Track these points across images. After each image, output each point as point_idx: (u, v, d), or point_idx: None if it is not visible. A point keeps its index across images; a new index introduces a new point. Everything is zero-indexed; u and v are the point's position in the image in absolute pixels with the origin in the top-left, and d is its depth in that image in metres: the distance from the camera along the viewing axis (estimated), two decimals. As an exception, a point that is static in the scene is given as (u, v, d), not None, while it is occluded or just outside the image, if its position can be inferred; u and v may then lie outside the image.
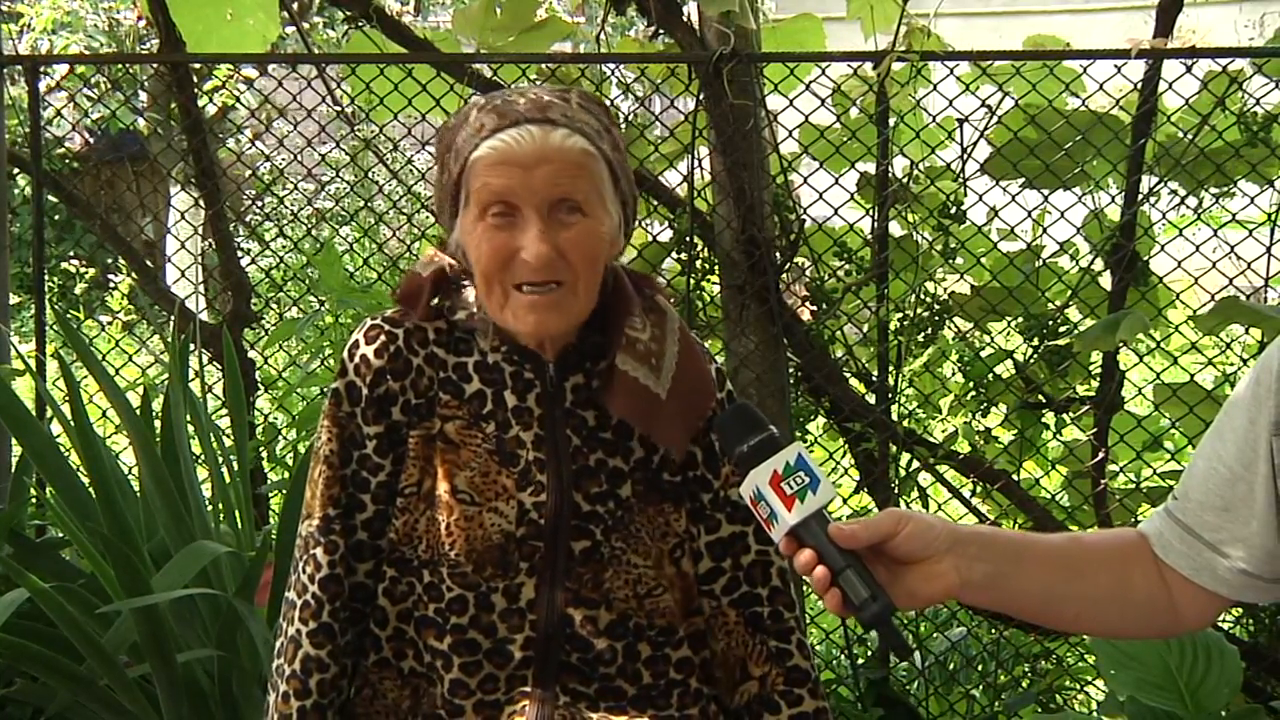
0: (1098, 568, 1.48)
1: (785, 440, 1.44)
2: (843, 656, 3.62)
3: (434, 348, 1.70)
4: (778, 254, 3.44)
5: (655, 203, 3.61)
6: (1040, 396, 3.47)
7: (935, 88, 3.44)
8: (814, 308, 3.56)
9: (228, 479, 3.05)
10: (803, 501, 1.39)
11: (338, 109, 4.19)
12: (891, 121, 3.37)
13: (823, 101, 3.48)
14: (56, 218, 10.23)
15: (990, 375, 3.49)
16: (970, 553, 1.41)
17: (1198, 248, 3.29)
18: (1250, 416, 1.40)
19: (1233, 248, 3.31)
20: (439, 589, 1.68)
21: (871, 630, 1.39)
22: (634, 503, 1.70)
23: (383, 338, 1.70)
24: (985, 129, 3.43)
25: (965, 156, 3.49)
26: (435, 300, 1.71)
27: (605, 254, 1.65)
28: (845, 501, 3.67)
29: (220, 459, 3.06)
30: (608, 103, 3.61)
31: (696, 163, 3.46)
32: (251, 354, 3.83)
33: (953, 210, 3.44)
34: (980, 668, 3.59)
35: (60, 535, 3.28)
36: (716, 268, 3.50)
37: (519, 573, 1.67)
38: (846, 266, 3.54)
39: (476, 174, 1.60)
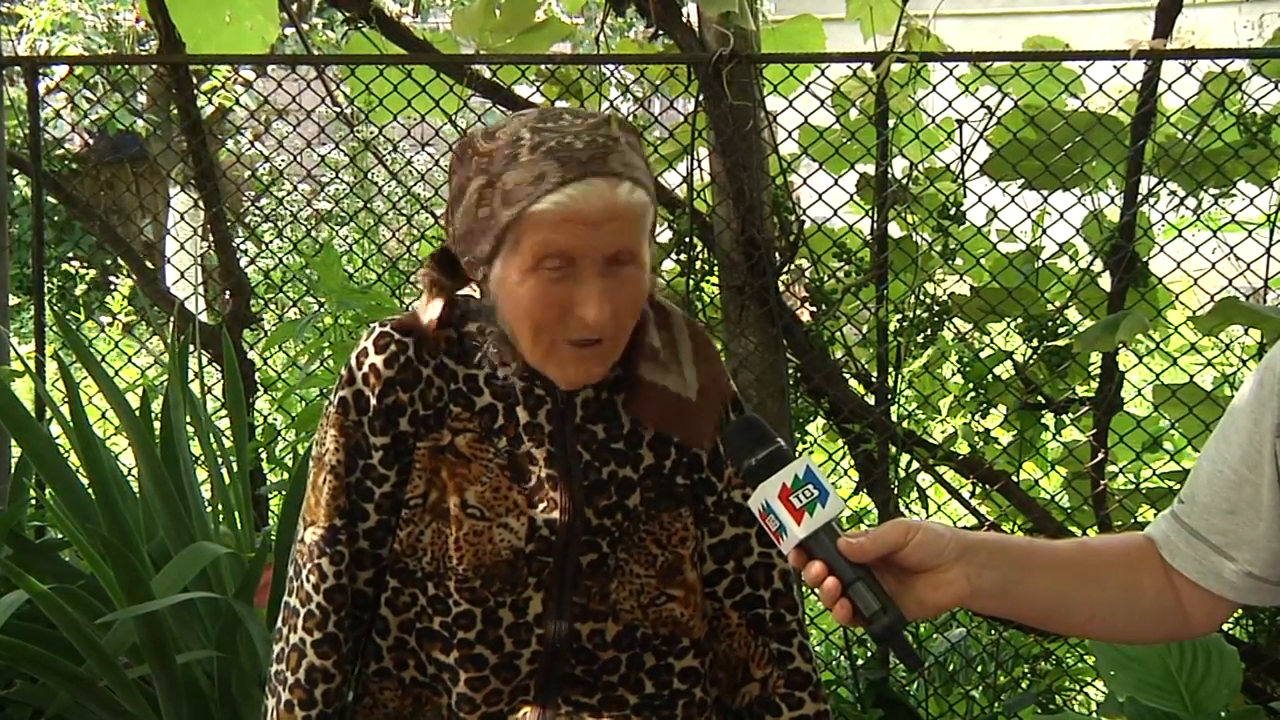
0: (1106, 573, 1.48)
1: (793, 452, 1.43)
2: (842, 657, 3.62)
3: (444, 358, 1.67)
4: (777, 255, 3.44)
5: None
6: (1040, 397, 3.47)
7: (935, 89, 3.44)
8: (813, 309, 3.56)
9: (227, 480, 3.05)
10: (812, 515, 1.38)
11: (337, 110, 4.19)
12: (891, 122, 3.37)
13: (822, 103, 3.48)
14: (56, 219, 10.23)
15: (990, 376, 3.49)
16: (979, 560, 1.41)
17: (1197, 249, 3.29)
18: (1254, 419, 1.39)
19: (1232, 249, 3.31)
20: (445, 602, 1.67)
21: (881, 642, 1.39)
22: (641, 511, 1.70)
23: (393, 347, 1.66)
24: (984, 130, 3.43)
25: (964, 157, 3.48)
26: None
27: (646, 295, 1.63)
28: (845, 502, 3.67)
29: (220, 460, 3.06)
30: (606, 104, 3.67)
31: (696, 164, 3.46)
32: (251, 355, 3.83)
33: (952, 211, 3.44)
34: (980, 669, 3.59)
35: (60, 536, 3.28)
36: (716, 269, 3.50)
37: (527, 587, 1.66)
38: (846, 267, 3.54)
39: (536, 227, 1.52)
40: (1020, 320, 3.46)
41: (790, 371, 3.49)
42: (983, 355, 3.52)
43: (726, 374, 1.76)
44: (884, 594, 1.37)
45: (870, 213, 3.46)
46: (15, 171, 4.16)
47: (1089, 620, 1.50)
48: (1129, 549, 1.51)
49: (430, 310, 1.66)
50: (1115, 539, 1.57)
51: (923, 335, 3.48)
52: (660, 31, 3.51)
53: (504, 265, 1.57)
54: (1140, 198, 3.28)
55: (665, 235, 3.64)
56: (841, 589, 1.36)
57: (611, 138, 1.55)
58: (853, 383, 3.58)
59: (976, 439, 3.48)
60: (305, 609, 1.69)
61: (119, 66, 4.60)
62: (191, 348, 3.30)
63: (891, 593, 1.38)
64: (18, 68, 3.88)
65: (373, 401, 1.66)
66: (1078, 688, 3.58)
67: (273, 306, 4.42)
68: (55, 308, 4.95)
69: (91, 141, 8.75)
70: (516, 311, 1.58)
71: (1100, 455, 3.36)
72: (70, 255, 10.04)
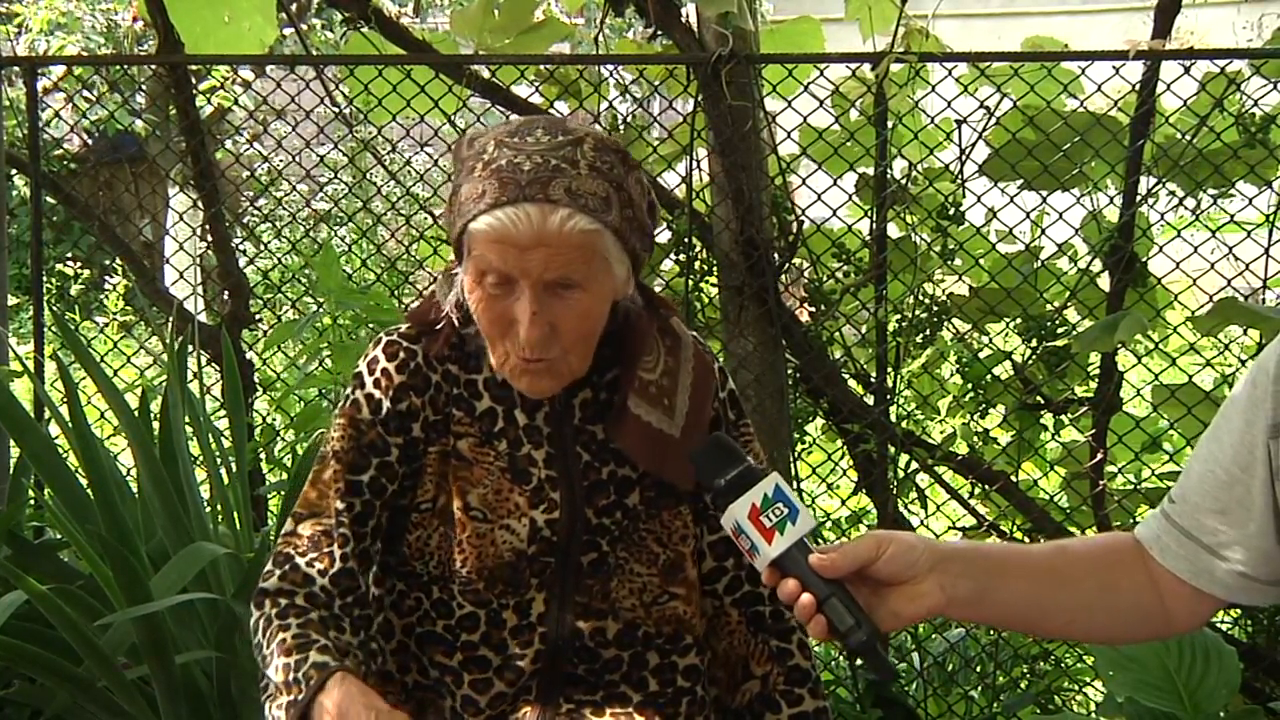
0: (1084, 575, 1.49)
1: (762, 471, 1.44)
2: (841, 657, 3.61)
3: (448, 364, 1.70)
4: (776, 255, 3.44)
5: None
6: (1039, 398, 3.47)
7: (934, 89, 3.44)
8: (812, 309, 3.56)
9: (226, 480, 3.05)
10: (782, 533, 1.39)
11: (336, 110, 4.19)
12: (890, 123, 3.36)
13: (821, 103, 3.48)
14: (54, 219, 10.22)
15: (989, 376, 3.48)
16: (954, 570, 1.42)
17: (1196, 249, 3.29)
18: (1247, 419, 1.40)
19: (1231, 249, 3.31)
20: (449, 605, 1.67)
21: (856, 656, 1.40)
22: (640, 510, 1.70)
23: (402, 354, 1.69)
24: (983, 130, 3.42)
25: (963, 158, 3.48)
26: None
27: (604, 317, 1.63)
28: (844, 503, 3.68)
29: (219, 460, 3.05)
30: (605, 104, 3.66)
31: (695, 164, 3.46)
32: (250, 355, 3.83)
33: (951, 211, 3.44)
34: (979, 669, 3.59)
35: (58, 537, 3.27)
36: (715, 269, 3.49)
37: (529, 588, 1.66)
38: (845, 268, 3.54)
39: (475, 242, 1.56)
40: (1019, 320, 3.46)
41: (789, 371, 3.49)
42: (982, 355, 3.52)
43: (708, 413, 1.73)
44: (858, 609, 1.38)
45: (869, 213, 3.46)
46: (14, 172, 4.15)
47: (1068, 624, 1.51)
48: (1108, 550, 1.52)
49: (446, 306, 1.69)
50: (1094, 540, 1.59)
51: (922, 335, 3.48)
52: (659, 32, 3.51)
53: (464, 273, 1.61)
54: (1139, 198, 3.28)
55: (664, 235, 3.64)
56: (816, 605, 1.37)
57: (568, 160, 1.54)
58: (852, 383, 3.58)
59: (975, 439, 3.48)
60: (305, 590, 1.66)
61: (117, 66, 4.59)
62: (190, 348, 3.29)
63: (866, 605, 1.39)
64: (16, 68, 3.88)
65: (386, 404, 1.68)
66: (1076, 688, 3.58)
67: (271, 307, 4.41)
68: (54, 308, 4.95)
69: (90, 142, 8.75)
70: (476, 320, 1.62)
71: (1099, 455, 3.36)
72: (68, 255, 10.03)
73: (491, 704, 1.68)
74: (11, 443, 3.35)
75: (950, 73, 3.35)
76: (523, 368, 1.61)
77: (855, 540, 1.41)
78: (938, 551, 1.42)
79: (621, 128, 3.65)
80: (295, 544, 1.69)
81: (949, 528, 3.77)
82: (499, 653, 1.67)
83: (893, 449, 3.49)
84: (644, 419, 1.66)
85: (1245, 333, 3.44)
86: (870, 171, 3.43)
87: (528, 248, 1.53)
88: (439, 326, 1.69)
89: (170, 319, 3.21)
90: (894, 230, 3.49)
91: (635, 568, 1.70)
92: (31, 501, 3.34)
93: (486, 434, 1.68)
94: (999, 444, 3.53)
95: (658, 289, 3.58)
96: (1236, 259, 3.31)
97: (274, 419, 3.77)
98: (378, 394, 1.69)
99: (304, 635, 1.61)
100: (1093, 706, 3.51)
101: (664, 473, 1.69)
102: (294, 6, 5.09)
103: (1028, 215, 3.46)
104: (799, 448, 3.56)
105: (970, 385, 3.50)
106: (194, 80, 4.31)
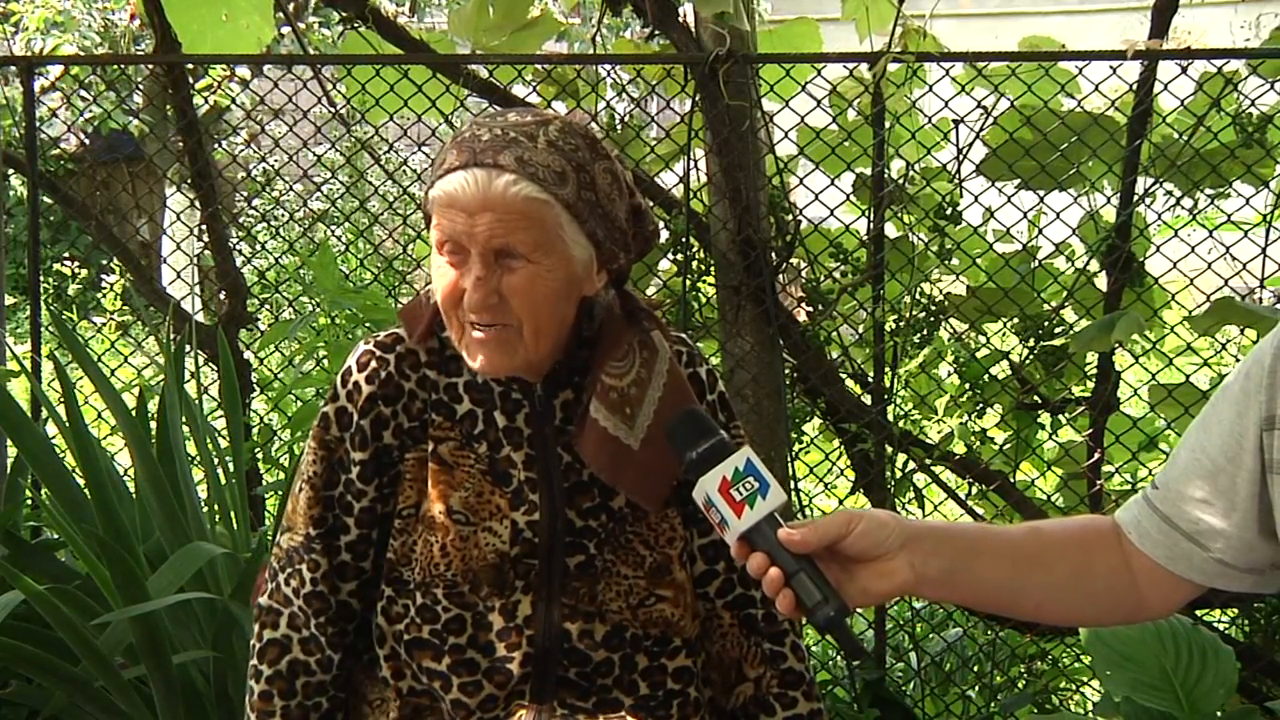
0: (1057, 557, 1.49)
1: (735, 445, 1.44)
2: (839, 658, 3.62)
3: (426, 370, 1.71)
4: (773, 255, 3.44)
5: (651, 203, 3.60)
6: (1036, 397, 3.47)
7: (931, 89, 3.44)
8: (810, 309, 3.57)
9: (223, 480, 3.05)
10: (752, 507, 1.39)
11: (333, 110, 4.19)
12: (887, 123, 3.37)
13: (818, 103, 3.48)
14: (52, 218, 10.22)
15: (986, 376, 3.49)
16: (925, 548, 1.42)
17: (1193, 249, 3.30)
18: (1238, 410, 1.40)
19: (1228, 249, 3.31)
20: (434, 610, 1.68)
21: (824, 633, 1.39)
22: (627, 513, 1.70)
23: (374, 363, 1.70)
24: (981, 130, 3.43)
25: (961, 158, 3.49)
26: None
27: (559, 296, 1.61)
28: (841, 502, 3.68)
29: (216, 460, 3.05)
30: (603, 104, 3.66)
31: (692, 164, 3.46)
32: (247, 355, 3.83)
33: (948, 211, 3.44)
34: (976, 668, 3.59)
35: (55, 536, 3.28)
36: (712, 268, 3.50)
37: (515, 590, 1.66)
38: (842, 267, 3.54)
39: (434, 210, 1.59)
40: (1016, 320, 3.46)
41: (786, 371, 3.49)
42: (979, 355, 3.52)
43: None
44: (826, 584, 1.37)
45: (866, 213, 3.46)
46: (11, 171, 4.15)
47: (1039, 605, 1.51)
48: (1084, 533, 1.52)
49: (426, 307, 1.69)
50: (1071, 522, 1.58)
51: (919, 335, 3.49)
52: (657, 31, 3.51)
53: (433, 247, 1.63)
54: (1136, 198, 3.28)
55: (661, 236, 3.64)
56: (784, 580, 1.37)
57: (527, 135, 1.57)
58: (849, 382, 3.59)
59: (973, 439, 3.48)
60: (288, 610, 1.72)
61: (115, 66, 4.59)
62: (187, 348, 3.30)
63: (836, 583, 1.38)
64: (13, 67, 3.87)
65: (355, 417, 1.70)
66: (1074, 688, 3.58)
67: (268, 306, 4.41)
68: (51, 308, 4.94)
69: (87, 141, 8.75)
70: (436, 295, 1.63)
71: (1096, 455, 3.36)
72: (65, 255, 10.03)
73: (482, 707, 1.68)
74: (9, 442, 3.35)
75: (947, 72, 3.35)
76: (478, 340, 1.61)
77: (824, 517, 1.41)
78: (909, 530, 1.42)
79: (619, 127, 3.65)
80: (278, 556, 1.75)
81: (946, 527, 3.77)
82: (486, 655, 1.67)
83: (890, 449, 3.49)
84: (601, 424, 1.65)
85: (1242, 332, 3.45)
86: (868, 171, 3.44)
87: (474, 212, 1.55)
88: (423, 325, 1.69)
89: (167, 319, 3.21)
90: (891, 230, 3.49)
91: (622, 570, 1.70)
92: (28, 501, 3.34)
93: (467, 437, 1.68)
94: (996, 444, 3.53)
95: (655, 288, 3.58)
96: (1233, 259, 3.31)
97: (271, 418, 3.77)
98: (348, 407, 1.70)
99: (266, 698, 1.70)
100: (1090, 706, 3.51)
101: (621, 484, 1.67)
102: (291, 6, 5.08)
103: (1025, 215, 3.46)
104: (796, 447, 3.56)
105: (967, 385, 3.51)
106: (191, 79, 4.30)
